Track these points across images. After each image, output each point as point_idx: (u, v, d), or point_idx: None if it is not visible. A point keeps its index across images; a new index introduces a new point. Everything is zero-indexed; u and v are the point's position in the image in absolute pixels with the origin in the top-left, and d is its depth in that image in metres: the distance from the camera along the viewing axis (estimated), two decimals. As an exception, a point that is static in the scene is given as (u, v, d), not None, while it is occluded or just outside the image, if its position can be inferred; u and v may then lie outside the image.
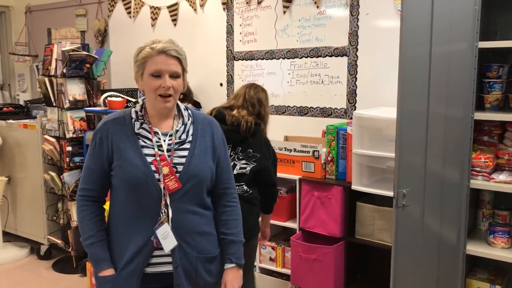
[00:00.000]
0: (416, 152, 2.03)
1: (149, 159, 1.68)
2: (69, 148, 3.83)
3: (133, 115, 1.74)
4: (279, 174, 3.20)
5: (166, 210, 1.68)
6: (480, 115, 2.24)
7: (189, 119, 1.78)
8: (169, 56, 1.65)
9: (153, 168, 1.67)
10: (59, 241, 4.08)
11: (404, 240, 2.07)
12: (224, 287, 1.82)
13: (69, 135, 3.81)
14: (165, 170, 1.67)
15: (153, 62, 1.65)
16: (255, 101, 2.56)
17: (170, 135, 1.73)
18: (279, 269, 3.29)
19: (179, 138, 1.74)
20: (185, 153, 1.73)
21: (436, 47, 1.99)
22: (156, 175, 1.67)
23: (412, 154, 2.02)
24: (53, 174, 3.98)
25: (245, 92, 2.60)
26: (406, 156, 1.99)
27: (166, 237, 1.67)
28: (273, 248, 3.30)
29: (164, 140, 1.72)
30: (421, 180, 2.06)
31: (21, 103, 5.07)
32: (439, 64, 2.03)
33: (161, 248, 1.68)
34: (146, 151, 1.70)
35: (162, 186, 1.67)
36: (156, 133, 1.73)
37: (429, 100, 2.02)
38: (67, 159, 3.85)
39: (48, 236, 4.17)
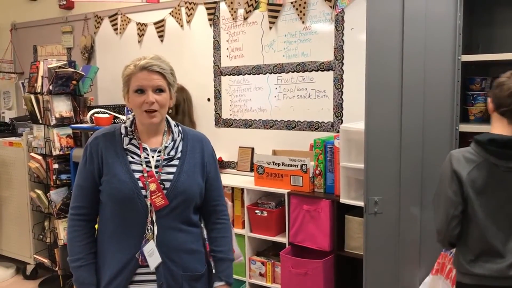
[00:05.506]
0: (387, 163, 2.19)
1: (137, 175, 1.68)
2: (55, 166, 3.79)
3: (123, 131, 1.74)
4: (268, 189, 3.22)
5: (151, 227, 1.67)
6: (464, 127, 2.27)
7: (179, 136, 1.78)
8: (151, 72, 1.65)
9: (140, 184, 1.67)
10: (45, 260, 4.01)
11: (376, 246, 2.20)
12: None
13: (56, 152, 3.78)
14: (152, 186, 1.66)
15: (136, 79, 1.65)
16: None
17: (159, 151, 1.73)
18: (269, 284, 3.27)
19: (168, 154, 1.73)
20: (173, 169, 1.72)
21: (408, 59, 2.11)
22: (143, 191, 1.66)
23: (383, 165, 2.19)
24: (39, 192, 3.93)
25: None
26: (375, 166, 2.17)
27: (152, 254, 1.66)
28: (262, 263, 3.29)
29: (153, 156, 1.71)
30: (395, 189, 2.21)
31: (7, 120, 5.01)
32: (413, 76, 2.14)
33: (146, 266, 1.67)
34: (134, 167, 1.69)
35: (148, 202, 1.66)
36: (145, 149, 1.72)
37: (401, 114, 2.16)
38: (54, 177, 3.80)
39: (35, 255, 4.10)
